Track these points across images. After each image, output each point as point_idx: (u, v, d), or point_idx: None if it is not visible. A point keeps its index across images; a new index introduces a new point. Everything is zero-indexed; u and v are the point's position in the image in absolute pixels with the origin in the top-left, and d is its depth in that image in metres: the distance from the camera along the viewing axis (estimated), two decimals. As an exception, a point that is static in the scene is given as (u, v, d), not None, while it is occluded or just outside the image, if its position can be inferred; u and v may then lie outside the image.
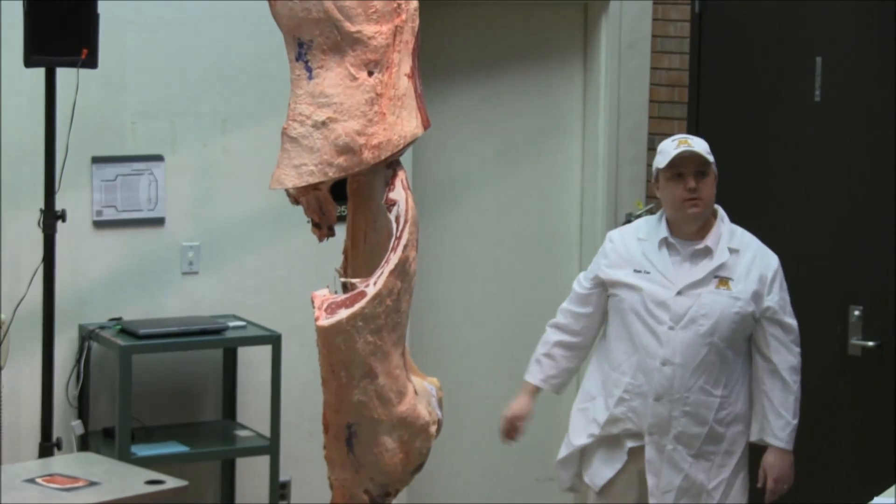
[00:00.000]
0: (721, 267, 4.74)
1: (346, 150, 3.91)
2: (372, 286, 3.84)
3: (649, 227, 4.85)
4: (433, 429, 4.08)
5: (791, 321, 4.80)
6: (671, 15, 6.60)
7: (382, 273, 3.85)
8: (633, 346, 4.76)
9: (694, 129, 6.35)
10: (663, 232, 4.79)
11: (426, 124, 4.02)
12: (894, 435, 5.58)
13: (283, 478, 5.86)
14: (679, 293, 4.72)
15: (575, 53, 6.72)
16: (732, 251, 4.77)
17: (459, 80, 6.48)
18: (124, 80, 5.68)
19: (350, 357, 3.86)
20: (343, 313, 3.79)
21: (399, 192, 3.96)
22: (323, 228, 4.13)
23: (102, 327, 5.58)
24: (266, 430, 5.68)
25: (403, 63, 4.00)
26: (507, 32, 6.57)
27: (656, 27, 6.67)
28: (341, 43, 3.94)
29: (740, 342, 4.77)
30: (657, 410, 4.72)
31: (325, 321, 3.78)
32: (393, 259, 3.86)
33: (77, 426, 5.57)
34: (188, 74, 5.80)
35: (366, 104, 3.93)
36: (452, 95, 6.46)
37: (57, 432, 5.33)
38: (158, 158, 5.78)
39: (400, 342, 3.98)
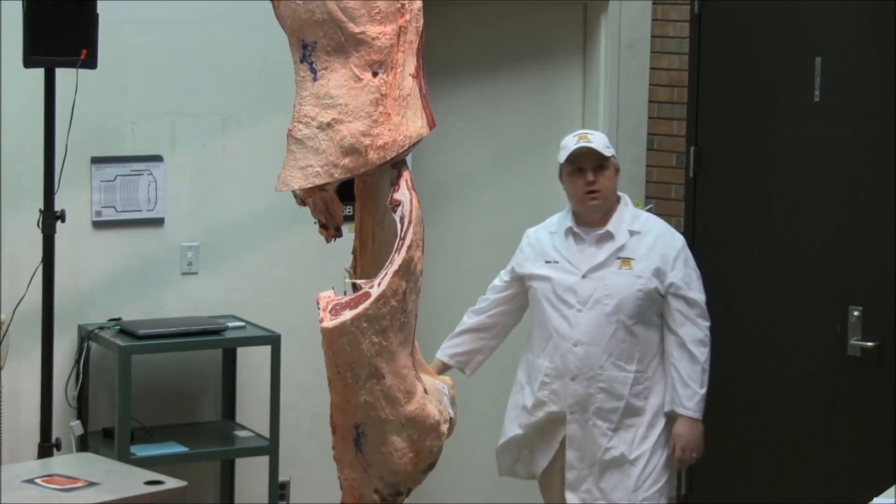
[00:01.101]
0: (622, 248, 5.04)
1: (351, 150, 3.91)
2: (376, 287, 3.84)
3: (560, 220, 5.19)
4: (444, 427, 4.08)
5: (696, 296, 5.04)
6: (671, 15, 6.59)
7: (387, 274, 3.85)
8: (548, 332, 5.06)
9: (693, 130, 6.35)
10: (569, 222, 5.13)
11: (432, 124, 4.02)
12: (894, 435, 5.57)
13: (282, 478, 5.85)
14: (584, 276, 5.03)
15: (574, 53, 6.72)
16: (634, 233, 5.06)
17: (459, 80, 6.48)
18: (124, 81, 5.68)
19: (355, 358, 3.85)
20: (347, 315, 3.79)
21: (403, 193, 3.96)
22: (330, 229, 4.14)
23: (102, 327, 5.58)
24: (265, 431, 5.68)
25: (408, 63, 3.99)
26: (507, 32, 6.57)
27: (656, 27, 6.67)
28: (345, 44, 3.94)
29: (650, 318, 5.03)
30: (575, 389, 5.01)
31: (329, 323, 3.78)
32: (397, 260, 3.86)
33: (76, 426, 5.57)
34: (187, 75, 5.80)
35: (370, 105, 3.92)
36: (452, 95, 6.45)
37: (56, 433, 5.32)
38: (158, 159, 5.78)
39: (408, 342, 3.98)
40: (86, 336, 5.56)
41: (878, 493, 4.02)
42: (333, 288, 3.96)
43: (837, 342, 5.77)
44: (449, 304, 6.46)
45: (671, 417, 5.06)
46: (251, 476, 5.90)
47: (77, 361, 5.58)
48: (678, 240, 5.10)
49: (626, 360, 4.99)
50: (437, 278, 6.37)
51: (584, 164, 5.03)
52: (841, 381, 5.78)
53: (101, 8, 5.14)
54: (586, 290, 4.99)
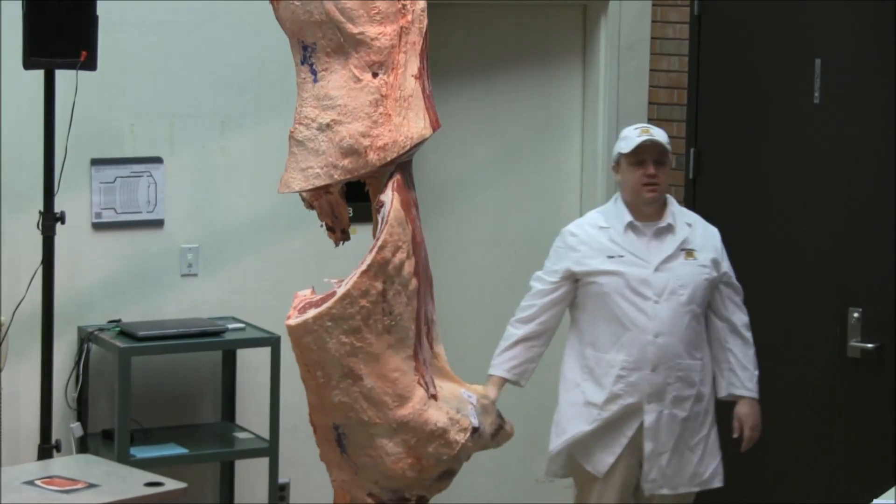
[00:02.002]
0: (685, 241, 5.13)
1: (350, 151, 3.90)
2: (343, 287, 3.85)
3: (608, 216, 5.18)
4: (457, 436, 4.03)
5: (738, 284, 5.25)
6: (670, 17, 6.59)
7: (355, 274, 3.85)
8: (622, 325, 5.05)
9: (693, 131, 6.35)
10: (626, 217, 5.12)
11: (435, 125, 4.01)
12: (894, 436, 5.58)
13: (282, 480, 5.85)
14: (656, 269, 5.07)
15: (574, 55, 6.72)
16: (689, 225, 5.17)
17: (459, 81, 6.47)
18: (123, 83, 5.68)
19: (323, 357, 3.87)
20: (311, 313, 3.84)
21: (388, 194, 3.95)
22: (337, 232, 4.13)
23: (101, 329, 5.57)
24: (265, 433, 5.68)
25: (410, 64, 3.97)
26: (507, 34, 6.57)
27: (655, 29, 6.66)
28: (344, 45, 3.92)
29: (705, 307, 5.17)
30: (654, 380, 5.05)
31: (292, 320, 3.85)
32: (367, 260, 3.86)
33: (76, 428, 5.57)
34: (187, 76, 5.80)
35: (370, 106, 3.91)
36: (452, 96, 6.45)
37: (56, 434, 5.32)
38: (157, 160, 5.78)
39: (402, 345, 3.96)
40: (85, 338, 5.56)
41: (877, 495, 4.02)
42: (312, 288, 3.97)
43: (837, 344, 5.77)
44: (449, 304, 6.46)
45: (727, 402, 5.20)
46: (251, 478, 5.90)
47: (77, 363, 5.58)
48: (717, 230, 5.25)
49: (696, 348, 5.11)
50: (437, 278, 6.33)
51: (646, 157, 5.07)
52: (841, 382, 5.78)
53: (101, 9, 5.14)
54: (660, 282, 5.05)
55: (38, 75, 5.16)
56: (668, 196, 5.20)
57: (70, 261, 5.57)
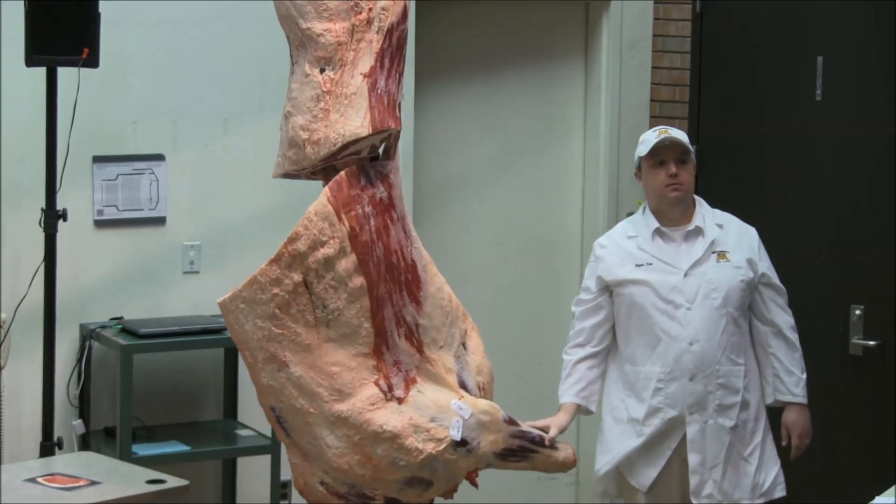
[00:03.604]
0: (715, 242, 4.90)
1: (293, 143, 4.01)
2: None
3: (636, 224, 4.99)
4: (421, 444, 3.99)
5: (781, 285, 5.00)
6: (672, 14, 6.60)
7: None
8: (655, 336, 4.85)
9: (695, 129, 6.35)
10: (653, 223, 4.93)
11: (378, 125, 3.95)
12: (894, 435, 5.57)
13: (283, 477, 5.85)
14: (686, 275, 4.85)
15: (576, 53, 6.72)
16: (719, 226, 4.95)
17: (460, 80, 6.48)
18: (125, 80, 5.68)
19: (244, 338, 3.99)
20: (229, 293, 3.97)
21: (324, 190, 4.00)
22: None
23: (103, 326, 5.58)
24: (267, 430, 5.68)
25: (361, 62, 3.97)
26: (508, 32, 6.57)
27: (657, 27, 6.67)
28: (303, 40, 4.00)
29: (746, 310, 4.93)
30: (693, 389, 4.83)
31: (220, 298, 4.01)
32: (279, 250, 3.96)
33: (78, 425, 5.57)
34: (189, 74, 5.80)
35: (311, 100, 3.97)
36: (452, 95, 6.45)
37: (58, 432, 5.32)
38: (159, 158, 5.79)
39: (347, 342, 3.97)
40: (87, 335, 5.57)
41: (879, 492, 4.02)
42: None
43: (839, 342, 5.77)
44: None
45: (774, 408, 4.98)
46: (253, 475, 5.91)
47: (79, 360, 5.58)
48: (754, 230, 5.02)
49: (737, 353, 4.87)
50: (439, 277, 6.36)
51: (666, 157, 4.87)
52: (842, 380, 5.78)
53: (103, 7, 5.14)
54: (692, 288, 4.84)
55: (41, 73, 5.17)
56: (697, 197, 5.00)
57: (72, 258, 5.57)
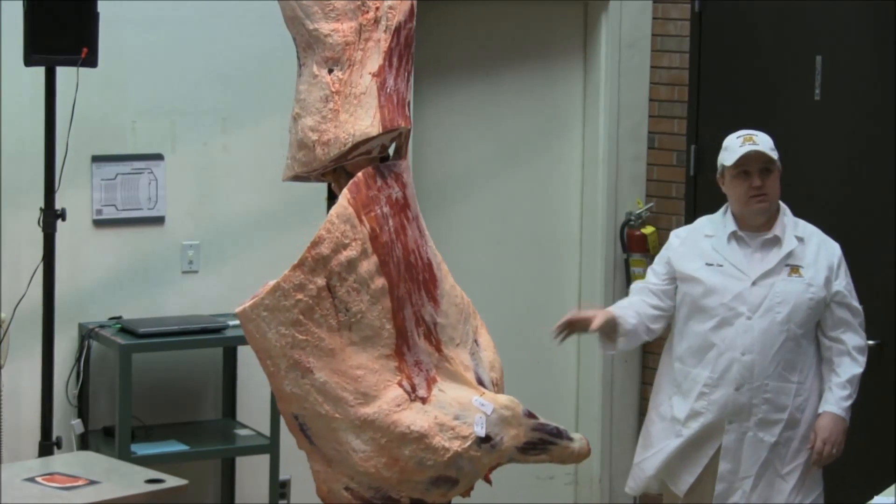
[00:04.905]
0: (790, 255, 4.82)
1: (303, 145, 3.98)
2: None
3: (714, 224, 4.92)
4: (447, 442, 3.99)
5: (858, 305, 4.88)
6: (671, 14, 6.60)
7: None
8: (709, 340, 4.82)
9: (694, 128, 6.36)
10: (731, 226, 4.87)
11: (388, 125, 3.95)
12: (894, 434, 5.57)
13: (283, 476, 5.85)
14: (754, 283, 4.79)
15: (575, 52, 6.72)
16: (799, 239, 4.85)
17: (459, 80, 6.48)
18: (124, 79, 5.68)
19: (265, 346, 3.95)
20: (248, 302, 3.93)
21: (343, 192, 3.97)
22: None
23: (102, 326, 5.58)
24: (266, 429, 5.68)
25: (370, 61, 3.97)
26: (507, 31, 6.57)
27: (656, 26, 6.67)
28: (310, 41, 3.99)
29: (812, 328, 4.84)
30: (738, 399, 4.78)
31: (239, 307, 3.95)
32: (302, 255, 3.90)
33: (77, 425, 5.57)
34: (188, 73, 5.80)
35: (320, 101, 3.96)
36: (452, 95, 6.45)
37: (57, 431, 5.32)
38: (158, 157, 5.78)
39: (370, 344, 3.95)
40: (86, 334, 5.56)
41: (878, 491, 4.02)
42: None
43: (838, 341, 5.77)
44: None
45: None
46: (252, 474, 5.90)
47: (78, 360, 5.58)
48: (837, 247, 4.90)
49: (791, 371, 4.79)
50: (438, 277, 6.36)
51: (751, 168, 4.78)
52: (841, 379, 5.78)
53: (102, 6, 5.14)
54: (756, 298, 4.76)
55: (39, 72, 5.16)
56: (782, 205, 4.90)
57: (71, 258, 5.57)
